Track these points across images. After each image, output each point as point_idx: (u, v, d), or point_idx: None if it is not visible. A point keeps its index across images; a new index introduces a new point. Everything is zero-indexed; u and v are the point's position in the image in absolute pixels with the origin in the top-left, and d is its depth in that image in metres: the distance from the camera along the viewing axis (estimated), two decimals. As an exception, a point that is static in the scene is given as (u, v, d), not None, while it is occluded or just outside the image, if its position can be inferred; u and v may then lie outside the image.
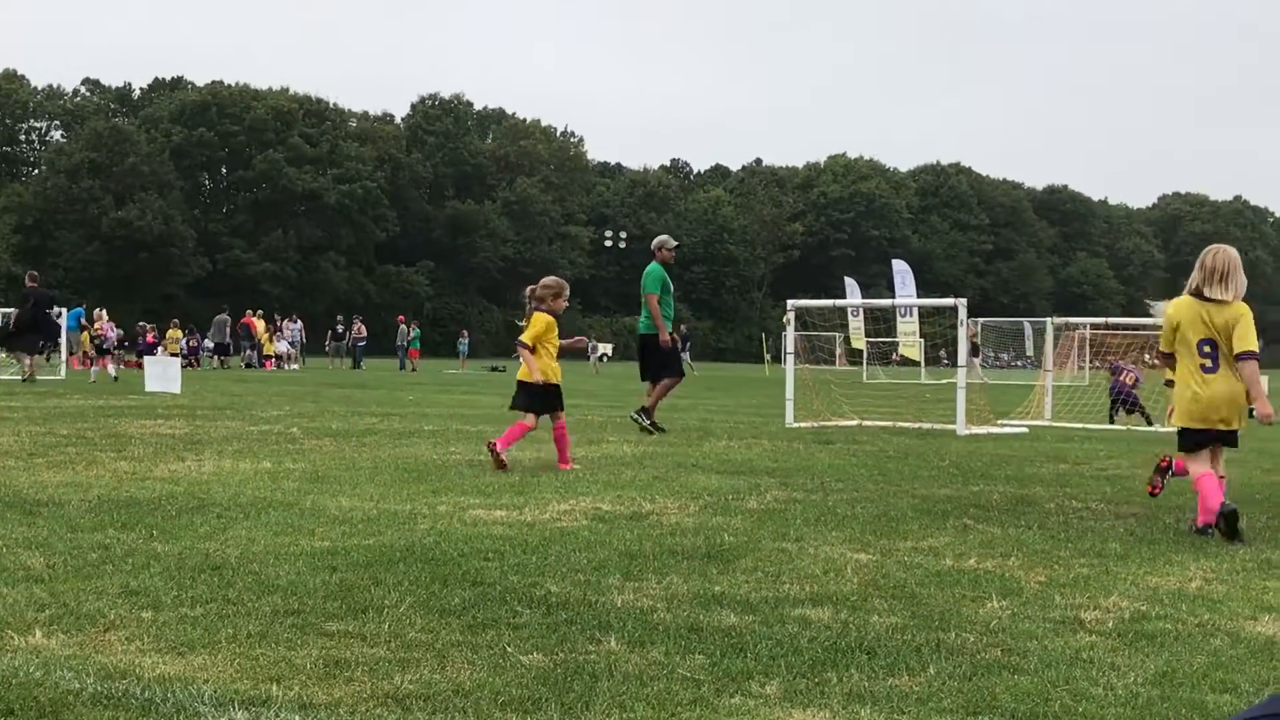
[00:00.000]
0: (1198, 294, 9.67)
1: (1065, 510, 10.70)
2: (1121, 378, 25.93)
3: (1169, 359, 9.99)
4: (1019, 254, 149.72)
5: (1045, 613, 6.48)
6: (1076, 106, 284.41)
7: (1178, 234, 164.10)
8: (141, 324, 56.73)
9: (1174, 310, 9.81)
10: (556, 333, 13.88)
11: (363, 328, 61.90)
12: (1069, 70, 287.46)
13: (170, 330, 56.35)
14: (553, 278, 14.51)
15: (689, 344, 70.55)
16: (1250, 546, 8.90)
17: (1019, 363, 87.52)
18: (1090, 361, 35.85)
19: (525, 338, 13.88)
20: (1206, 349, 9.60)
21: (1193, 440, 9.79)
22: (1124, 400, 25.68)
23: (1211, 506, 9.25)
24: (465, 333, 77.60)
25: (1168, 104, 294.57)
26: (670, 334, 19.21)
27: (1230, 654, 5.71)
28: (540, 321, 13.72)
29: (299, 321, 62.12)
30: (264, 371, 52.10)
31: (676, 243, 20.02)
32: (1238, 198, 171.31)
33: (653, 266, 19.38)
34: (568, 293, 14.24)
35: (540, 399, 13.61)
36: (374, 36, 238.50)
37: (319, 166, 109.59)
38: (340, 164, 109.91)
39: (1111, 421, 25.09)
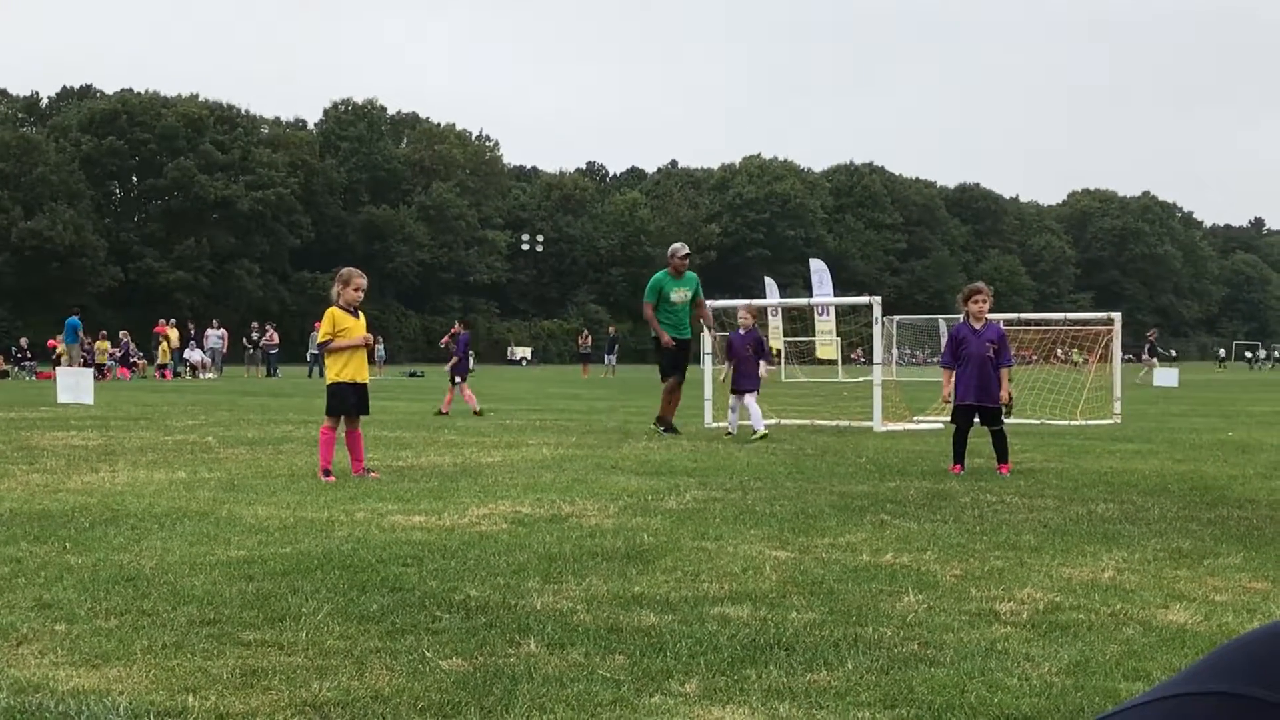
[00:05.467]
0: None
1: (980, 504, 10.80)
2: None
3: None
4: (933, 252, 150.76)
5: (961, 605, 6.54)
6: (987, 105, 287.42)
7: (1088, 230, 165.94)
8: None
9: None
10: (351, 325, 13.18)
11: (274, 335, 61.11)
12: (978, 69, 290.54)
13: (99, 342, 54.89)
14: (345, 268, 13.88)
15: (615, 346, 70.58)
16: (1161, 536, 9.03)
17: (934, 360, 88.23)
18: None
19: (319, 337, 13.40)
20: None
21: None
22: None
23: None
24: (381, 339, 77.09)
25: (1076, 102, 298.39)
26: (670, 338, 19.58)
27: (1142, 642, 5.79)
28: (326, 318, 13.23)
29: (222, 329, 61.05)
30: (163, 381, 50.70)
31: (685, 250, 20.14)
32: (1146, 193, 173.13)
33: (656, 275, 20.00)
34: (360, 282, 13.44)
35: (349, 400, 13.02)
36: (285, 42, 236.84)
37: (231, 173, 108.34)
38: (253, 171, 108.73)
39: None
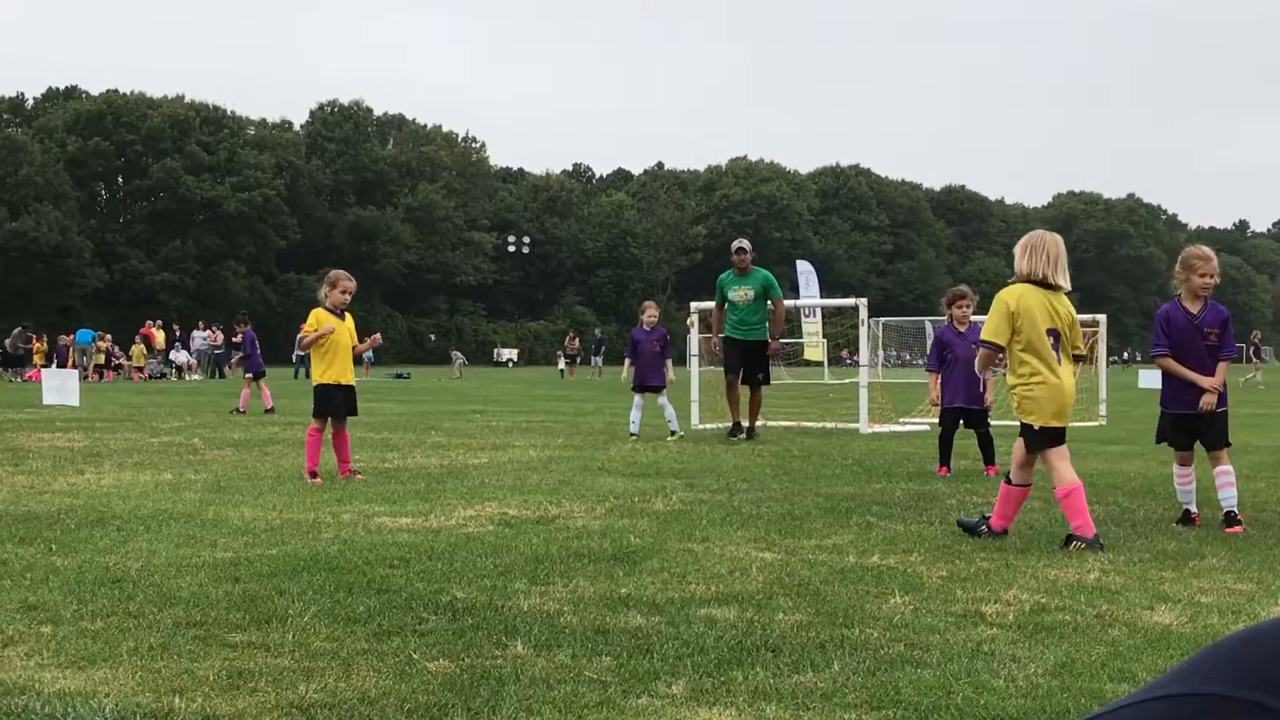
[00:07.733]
0: (1042, 282, 8.90)
1: (966, 506, 10.82)
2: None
3: (997, 351, 9.10)
4: (918, 254, 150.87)
5: (947, 607, 6.55)
6: (973, 107, 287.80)
7: (1073, 232, 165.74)
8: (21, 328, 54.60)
9: (1016, 297, 8.89)
10: (342, 328, 13.07)
11: (218, 335, 57.57)
12: (964, 71, 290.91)
13: (100, 342, 54.02)
14: (333, 270, 13.90)
15: (602, 348, 70.52)
16: (1147, 538, 9.05)
17: (920, 362, 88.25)
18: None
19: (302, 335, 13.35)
20: (1051, 340, 8.87)
21: (1055, 438, 8.95)
22: None
23: (1080, 515, 8.61)
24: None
25: (1061, 104, 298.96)
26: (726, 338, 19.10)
27: (1128, 643, 5.81)
28: (311, 317, 13.19)
29: (208, 331, 60.15)
30: (133, 383, 49.94)
31: (737, 245, 19.42)
32: (1131, 195, 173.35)
33: (721, 275, 19.54)
34: (347, 284, 13.41)
35: (335, 402, 12.94)
36: (271, 44, 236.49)
37: (217, 175, 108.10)
38: (239, 172, 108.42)
39: None
